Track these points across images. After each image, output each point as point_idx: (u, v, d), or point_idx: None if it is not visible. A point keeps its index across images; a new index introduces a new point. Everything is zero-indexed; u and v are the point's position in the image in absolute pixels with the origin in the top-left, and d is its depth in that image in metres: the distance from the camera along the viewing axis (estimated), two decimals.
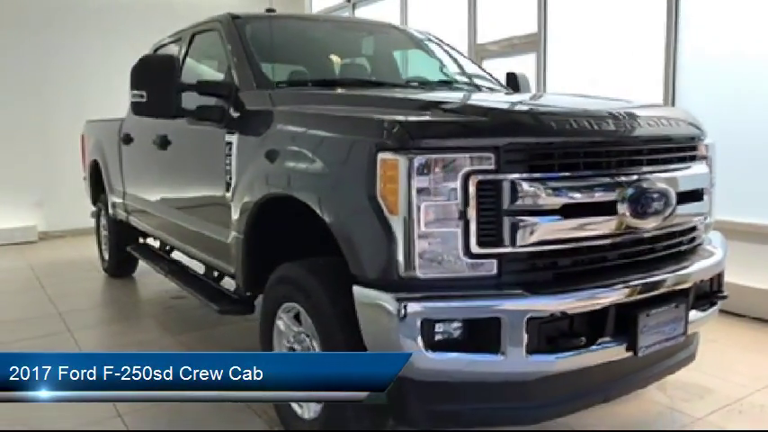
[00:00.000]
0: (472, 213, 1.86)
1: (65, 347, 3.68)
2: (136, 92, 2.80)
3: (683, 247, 2.31)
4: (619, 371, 2.16)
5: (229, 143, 2.76)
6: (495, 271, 1.90)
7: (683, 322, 2.15)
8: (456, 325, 1.88)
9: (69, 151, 7.41)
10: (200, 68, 3.67)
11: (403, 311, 1.82)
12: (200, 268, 3.85)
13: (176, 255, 4.41)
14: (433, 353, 1.84)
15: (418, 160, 1.84)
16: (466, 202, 1.86)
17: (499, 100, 2.17)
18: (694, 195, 2.29)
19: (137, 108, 2.83)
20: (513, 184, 1.87)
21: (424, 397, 1.98)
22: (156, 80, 2.80)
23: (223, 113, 2.84)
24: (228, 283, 3.49)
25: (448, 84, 3.24)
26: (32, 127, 7.55)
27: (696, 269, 2.22)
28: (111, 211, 5.07)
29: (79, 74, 7.76)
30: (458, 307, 1.85)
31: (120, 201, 4.74)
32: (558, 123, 1.96)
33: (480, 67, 3.70)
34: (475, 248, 1.88)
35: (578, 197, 1.95)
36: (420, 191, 1.84)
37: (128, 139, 4.39)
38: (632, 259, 2.12)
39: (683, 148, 2.30)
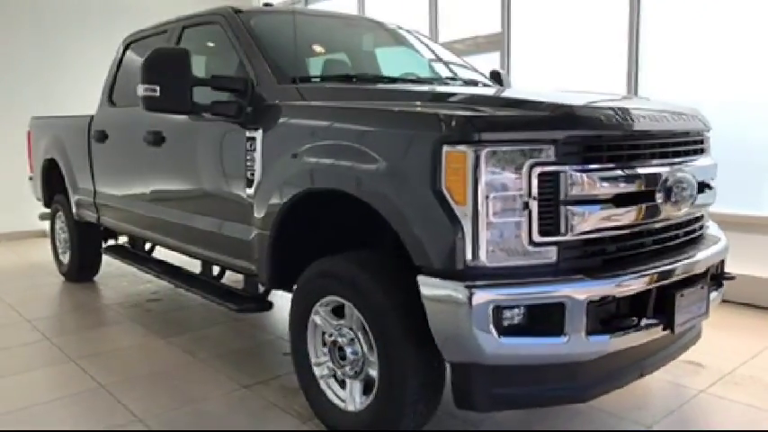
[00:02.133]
0: (534, 203, 1.96)
1: (48, 355, 3.50)
2: (148, 86, 2.71)
3: (698, 233, 2.51)
4: (651, 347, 2.32)
5: (251, 139, 2.72)
6: (554, 258, 2.00)
7: (706, 302, 2.34)
8: (522, 310, 1.97)
9: (7, 150, 6.98)
10: (195, 63, 3.56)
11: (474, 299, 1.89)
12: (187, 265, 3.77)
13: (160, 253, 4.27)
14: (504, 338, 1.92)
15: (485, 153, 1.91)
16: (529, 193, 1.95)
17: (541, 95, 2.27)
18: (706, 185, 2.49)
19: (149, 103, 2.73)
20: (571, 175, 1.97)
21: (488, 381, 2.06)
22: (171, 74, 2.72)
23: (240, 109, 2.79)
24: (229, 280, 3.45)
25: (455, 79, 3.32)
26: None
27: (713, 253, 2.42)
28: (74, 211, 4.83)
29: (17, 69, 7.29)
30: (526, 293, 1.94)
31: (89, 200, 4.52)
32: (608, 118, 2.09)
33: (470, 64, 3.81)
34: (537, 237, 1.97)
35: (626, 187, 2.09)
36: (487, 182, 1.92)
37: (102, 137, 4.19)
38: (663, 245, 2.29)
39: (697, 141, 2.50)
